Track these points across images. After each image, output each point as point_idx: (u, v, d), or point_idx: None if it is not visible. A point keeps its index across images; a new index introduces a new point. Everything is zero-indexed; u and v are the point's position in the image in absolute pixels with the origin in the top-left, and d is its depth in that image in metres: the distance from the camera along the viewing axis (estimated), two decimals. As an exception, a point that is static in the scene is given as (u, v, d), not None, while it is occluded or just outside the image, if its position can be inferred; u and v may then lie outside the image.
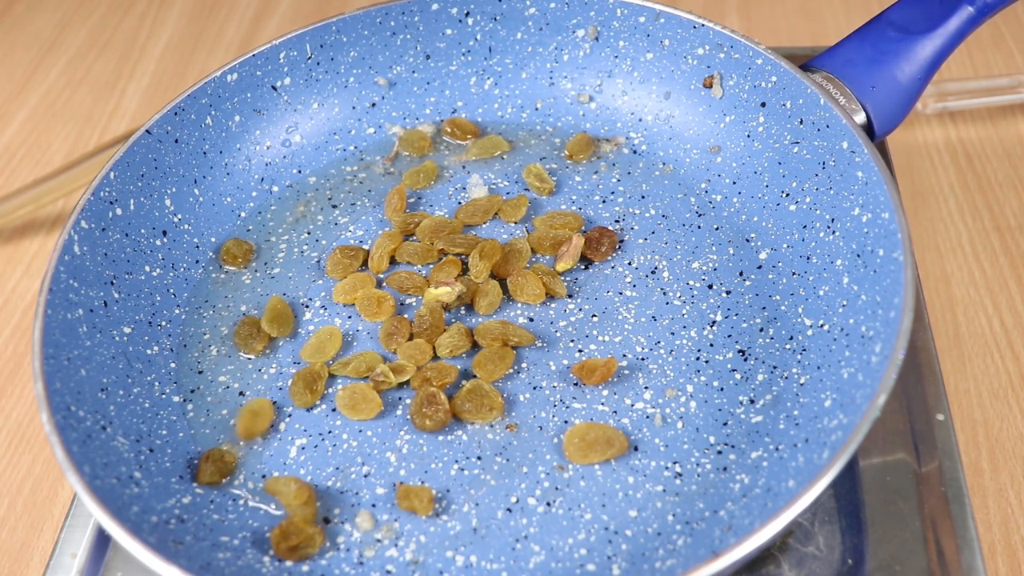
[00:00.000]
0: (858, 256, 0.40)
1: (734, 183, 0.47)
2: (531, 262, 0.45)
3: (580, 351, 0.42)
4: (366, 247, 0.46)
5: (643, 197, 0.48)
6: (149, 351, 0.43)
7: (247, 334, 0.43)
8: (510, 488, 0.38)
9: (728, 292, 0.43)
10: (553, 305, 0.43)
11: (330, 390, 0.41)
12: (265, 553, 0.36)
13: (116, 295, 0.43)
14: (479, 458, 0.39)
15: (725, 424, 0.39)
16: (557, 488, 0.38)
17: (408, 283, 0.44)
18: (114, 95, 0.68)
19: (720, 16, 0.68)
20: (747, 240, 0.45)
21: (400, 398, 0.41)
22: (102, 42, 0.73)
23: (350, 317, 0.44)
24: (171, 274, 0.45)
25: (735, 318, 0.42)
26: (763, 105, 0.46)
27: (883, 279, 0.38)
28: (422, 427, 0.39)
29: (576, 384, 0.41)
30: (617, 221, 0.47)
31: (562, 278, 0.44)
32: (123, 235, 0.44)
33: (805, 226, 0.43)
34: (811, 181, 0.44)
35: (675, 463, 0.38)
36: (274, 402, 0.41)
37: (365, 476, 0.39)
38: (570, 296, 0.44)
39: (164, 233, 0.46)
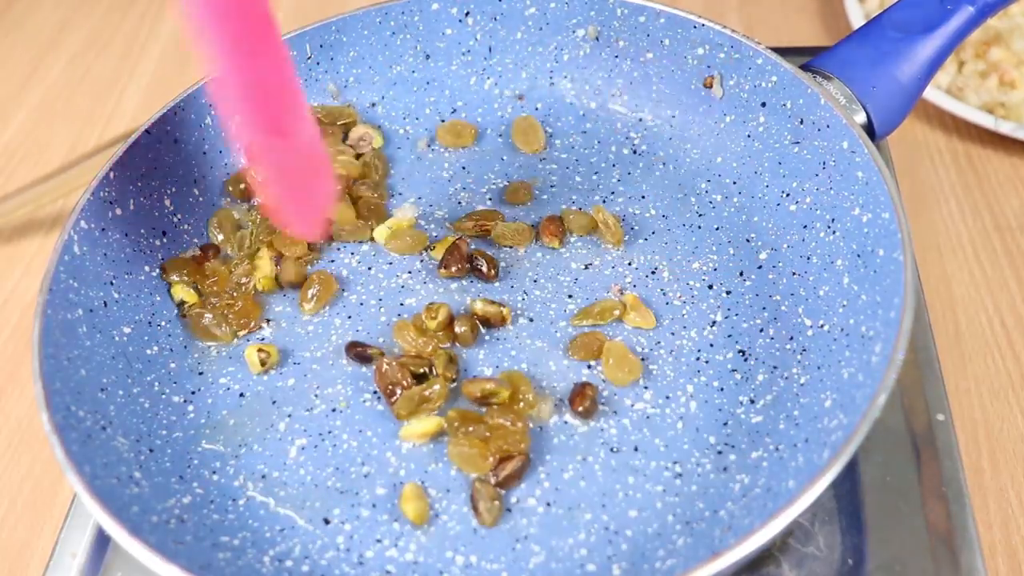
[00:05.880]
0: (858, 256, 0.40)
1: (734, 183, 0.47)
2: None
3: (580, 351, 0.42)
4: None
5: (643, 197, 0.48)
6: (149, 351, 0.43)
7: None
8: (510, 488, 0.38)
9: (728, 292, 0.43)
10: (553, 306, 0.43)
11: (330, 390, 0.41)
12: (265, 553, 0.36)
13: (116, 295, 0.43)
14: (479, 458, 0.39)
15: (725, 424, 0.39)
16: (557, 488, 0.38)
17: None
18: (114, 95, 0.68)
19: (720, 16, 0.68)
20: (747, 240, 0.45)
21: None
22: (102, 42, 0.73)
23: (349, 317, 0.44)
24: (171, 274, 0.45)
25: (735, 318, 0.42)
26: (763, 105, 0.46)
27: (883, 279, 0.38)
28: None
29: (576, 384, 0.41)
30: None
31: (561, 277, 0.44)
32: (123, 235, 0.44)
33: (805, 226, 0.43)
34: (811, 181, 0.44)
35: (675, 463, 0.38)
36: (274, 401, 0.41)
37: (365, 476, 0.38)
38: (569, 296, 0.44)
39: (164, 233, 0.46)
